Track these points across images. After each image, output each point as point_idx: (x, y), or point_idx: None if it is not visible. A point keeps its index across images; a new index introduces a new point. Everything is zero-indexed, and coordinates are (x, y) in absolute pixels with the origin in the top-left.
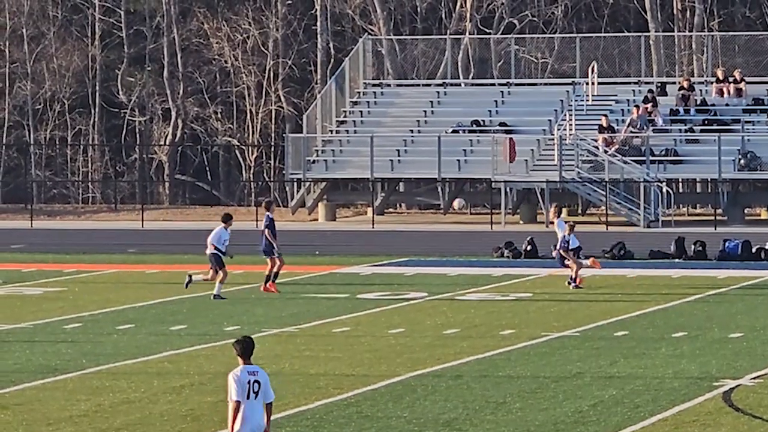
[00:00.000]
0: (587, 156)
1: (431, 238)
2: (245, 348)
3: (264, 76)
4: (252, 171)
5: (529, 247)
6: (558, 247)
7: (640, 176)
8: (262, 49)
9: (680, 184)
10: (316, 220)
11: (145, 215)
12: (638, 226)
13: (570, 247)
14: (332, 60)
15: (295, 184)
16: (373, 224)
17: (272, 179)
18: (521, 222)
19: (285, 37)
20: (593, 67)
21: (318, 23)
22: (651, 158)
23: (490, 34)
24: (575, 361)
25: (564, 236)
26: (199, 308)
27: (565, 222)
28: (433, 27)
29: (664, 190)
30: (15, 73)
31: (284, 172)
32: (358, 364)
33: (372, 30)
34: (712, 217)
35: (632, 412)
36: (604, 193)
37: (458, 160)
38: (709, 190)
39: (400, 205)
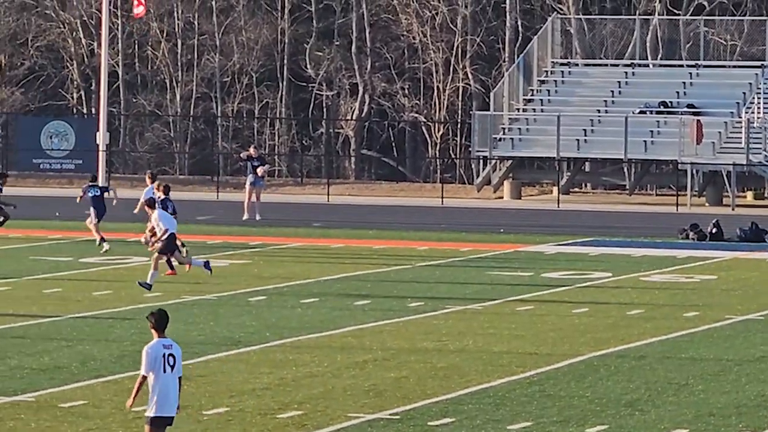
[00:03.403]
0: None
1: (616, 218)
2: (159, 321)
3: (452, 52)
4: (438, 148)
5: (714, 230)
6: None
7: None
8: (451, 25)
9: None
10: (502, 198)
11: (331, 189)
12: None
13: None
14: (520, 38)
15: (481, 161)
16: (558, 203)
17: (458, 156)
18: (707, 204)
19: (474, 14)
20: None
21: (507, 1)
22: None
23: (679, 15)
24: (759, 345)
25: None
26: (384, 283)
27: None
28: (622, 7)
29: None
30: (204, 45)
31: (470, 149)
32: (541, 342)
33: (561, 9)
34: None
35: None
36: None
37: (645, 141)
38: None
39: (586, 185)
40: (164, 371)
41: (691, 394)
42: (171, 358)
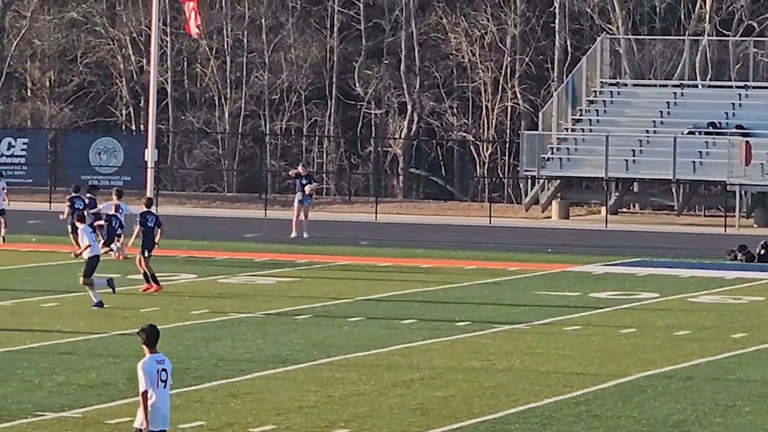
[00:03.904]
0: None
1: (664, 239)
2: (150, 336)
3: (501, 72)
4: (486, 167)
5: (762, 251)
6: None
7: None
8: (500, 45)
9: None
10: (550, 217)
11: (379, 208)
12: None
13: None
14: (569, 58)
15: (529, 181)
16: (606, 224)
17: (506, 175)
18: (755, 225)
19: (523, 34)
20: None
21: (556, 21)
22: None
23: (728, 36)
24: None
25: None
26: (431, 302)
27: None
28: (672, 27)
29: None
30: (252, 63)
31: (518, 168)
32: (588, 362)
33: (610, 29)
34: None
35: None
36: None
37: (693, 162)
38: None
39: (634, 205)
40: (158, 386)
41: (738, 415)
42: (164, 373)
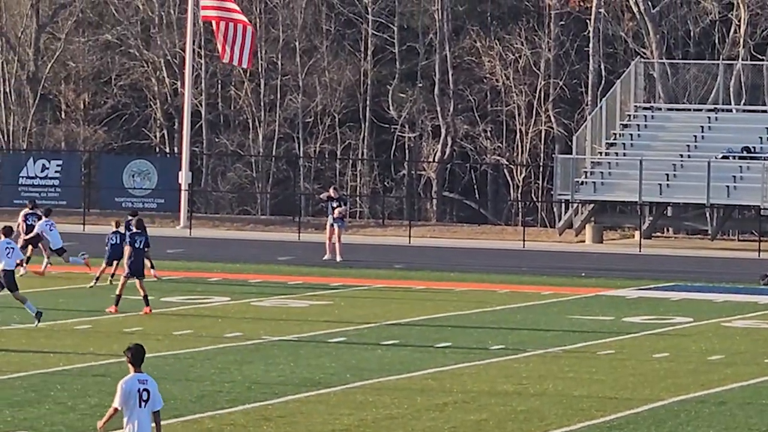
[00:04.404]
0: None
1: (698, 263)
2: (135, 356)
3: (535, 95)
4: (520, 190)
5: None
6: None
7: None
8: (534, 68)
9: None
10: (583, 241)
11: (412, 231)
12: None
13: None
14: (603, 82)
15: (563, 205)
16: (640, 248)
17: (540, 199)
18: None
19: (557, 58)
20: None
21: (590, 45)
22: None
23: (763, 60)
24: None
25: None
26: (465, 326)
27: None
28: (706, 51)
29: None
30: (286, 86)
31: (552, 192)
32: (621, 387)
33: (644, 53)
34: None
35: None
36: None
37: (727, 186)
38: None
39: (668, 230)
40: (139, 406)
41: None
42: (145, 393)
